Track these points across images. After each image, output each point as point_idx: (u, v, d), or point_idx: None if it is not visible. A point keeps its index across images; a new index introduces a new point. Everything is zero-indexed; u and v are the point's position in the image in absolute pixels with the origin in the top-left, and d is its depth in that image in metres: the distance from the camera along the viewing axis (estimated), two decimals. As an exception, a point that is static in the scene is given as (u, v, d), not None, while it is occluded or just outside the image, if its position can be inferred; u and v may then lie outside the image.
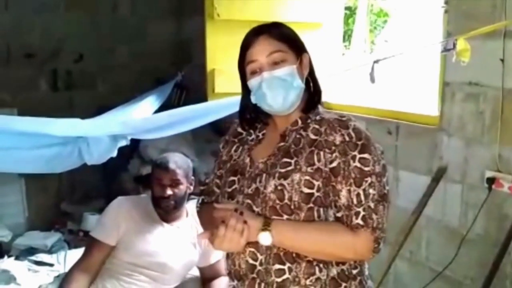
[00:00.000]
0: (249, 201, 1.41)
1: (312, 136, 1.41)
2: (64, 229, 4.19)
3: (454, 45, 2.17)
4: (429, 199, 2.65)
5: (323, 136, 1.39)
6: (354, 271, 1.43)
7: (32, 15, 4.36)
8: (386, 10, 8.21)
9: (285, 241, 1.36)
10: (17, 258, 3.39)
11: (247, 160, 1.48)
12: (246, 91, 1.49)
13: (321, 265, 1.38)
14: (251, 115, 1.54)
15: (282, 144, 1.45)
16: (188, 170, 2.44)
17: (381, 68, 2.50)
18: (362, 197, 1.34)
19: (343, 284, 1.40)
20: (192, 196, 2.63)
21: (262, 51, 1.41)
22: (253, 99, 1.45)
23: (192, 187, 2.47)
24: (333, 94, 3.28)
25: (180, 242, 2.42)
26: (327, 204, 1.37)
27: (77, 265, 2.34)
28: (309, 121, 1.45)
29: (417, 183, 2.69)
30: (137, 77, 4.50)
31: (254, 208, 1.39)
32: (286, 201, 1.36)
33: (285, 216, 1.37)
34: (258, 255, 1.40)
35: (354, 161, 1.35)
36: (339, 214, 1.37)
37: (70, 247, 3.66)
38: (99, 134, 2.53)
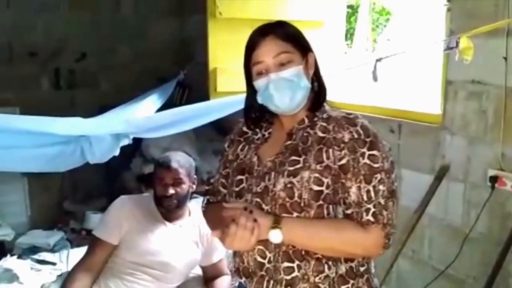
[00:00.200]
0: (258, 199, 1.42)
1: (320, 134, 1.42)
2: (66, 228, 4.20)
3: (457, 43, 2.16)
4: (432, 198, 2.65)
5: (331, 133, 1.40)
6: (362, 269, 1.44)
7: (34, 14, 4.37)
8: (388, 8, 8.19)
9: (296, 238, 1.36)
10: (19, 257, 3.39)
11: (255, 158, 1.49)
12: (251, 90, 1.50)
13: (330, 263, 1.40)
14: (257, 114, 1.54)
15: (289, 142, 1.46)
16: (191, 169, 2.44)
17: (383, 67, 2.49)
18: (372, 194, 1.35)
19: (351, 282, 1.41)
20: (195, 195, 2.64)
21: (268, 52, 1.41)
22: (260, 99, 1.46)
23: (194, 186, 2.47)
24: (335, 93, 3.28)
25: (182, 241, 2.42)
26: (336, 201, 1.38)
27: (80, 264, 2.34)
28: (315, 119, 1.46)
29: (420, 182, 2.68)
30: (139, 76, 4.50)
31: (263, 206, 1.40)
32: (296, 198, 1.37)
33: (295, 214, 1.37)
34: (267, 253, 1.41)
35: (363, 158, 1.35)
36: (348, 211, 1.37)
37: (72, 246, 3.67)
38: (101, 133, 2.53)
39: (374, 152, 1.36)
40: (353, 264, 1.42)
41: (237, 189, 1.48)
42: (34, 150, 2.43)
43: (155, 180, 2.40)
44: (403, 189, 2.85)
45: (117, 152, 2.63)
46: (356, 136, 1.37)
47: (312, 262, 1.39)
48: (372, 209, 1.35)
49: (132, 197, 2.57)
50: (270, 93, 1.42)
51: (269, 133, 1.54)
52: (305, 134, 1.44)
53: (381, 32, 8.11)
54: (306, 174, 1.37)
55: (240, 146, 1.56)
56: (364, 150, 1.36)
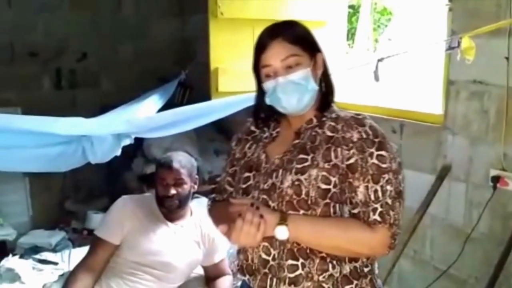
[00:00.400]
0: (265, 196, 1.42)
1: (329, 133, 1.42)
2: (68, 228, 4.20)
3: (459, 43, 2.16)
4: (434, 198, 2.65)
5: (340, 133, 1.41)
6: (366, 269, 1.44)
7: (35, 13, 4.37)
8: (389, 8, 8.19)
9: (301, 235, 1.37)
10: (21, 256, 3.39)
11: (263, 156, 1.50)
12: (260, 90, 1.51)
13: (334, 262, 1.40)
14: (265, 114, 1.55)
15: (297, 141, 1.47)
16: (192, 169, 2.44)
17: (385, 67, 2.49)
18: (380, 194, 1.35)
19: (355, 282, 1.41)
20: (196, 195, 2.64)
21: (276, 55, 1.42)
22: (268, 100, 1.47)
23: (196, 186, 2.47)
24: (337, 93, 3.27)
25: (184, 241, 2.42)
26: (343, 200, 1.39)
27: (81, 264, 2.34)
28: (324, 119, 1.47)
29: (422, 182, 2.68)
30: (140, 75, 4.50)
31: (270, 203, 1.41)
32: (303, 196, 1.37)
33: (302, 211, 1.38)
34: (272, 250, 1.42)
35: (371, 158, 1.36)
36: (355, 211, 1.37)
37: (74, 246, 3.67)
38: (103, 133, 2.53)
39: (383, 152, 1.37)
40: (357, 265, 1.42)
41: (244, 186, 1.49)
42: (35, 150, 2.43)
43: (156, 180, 2.40)
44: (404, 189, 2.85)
45: (118, 152, 2.63)
46: (365, 136, 1.38)
47: (317, 261, 1.39)
48: (379, 209, 1.35)
49: (133, 197, 2.57)
50: (278, 96, 1.43)
51: (277, 132, 1.55)
52: (313, 133, 1.45)
53: (383, 32, 8.11)
54: (314, 172, 1.37)
55: (248, 145, 1.57)
56: (373, 150, 1.36)
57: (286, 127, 1.54)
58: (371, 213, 1.35)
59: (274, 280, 1.42)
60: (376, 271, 1.50)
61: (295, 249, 1.40)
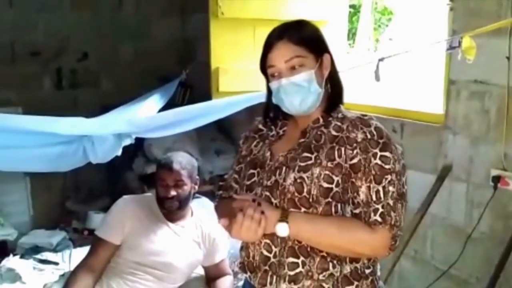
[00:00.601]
0: (267, 193, 1.43)
1: (334, 133, 1.43)
2: (69, 228, 4.20)
3: (460, 43, 2.16)
4: (434, 198, 2.64)
5: (344, 132, 1.41)
6: (367, 271, 1.44)
7: (36, 13, 4.38)
8: (390, 8, 8.18)
9: (302, 233, 1.37)
10: (22, 256, 3.39)
11: (268, 154, 1.51)
12: (269, 89, 1.52)
13: (335, 261, 1.40)
14: (274, 112, 1.57)
15: (302, 140, 1.47)
16: (193, 170, 2.43)
17: (385, 66, 2.49)
18: (382, 194, 1.35)
19: (355, 283, 1.41)
20: (197, 195, 2.64)
21: (280, 56, 1.43)
22: (273, 100, 1.49)
23: (196, 187, 2.47)
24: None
25: (185, 241, 2.42)
26: (345, 200, 1.39)
27: (82, 265, 2.34)
28: (330, 119, 1.47)
29: (422, 182, 2.68)
30: (141, 75, 4.50)
31: (272, 200, 1.42)
32: (304, 194, 1.38)
33: (303, 209, 1.38)
34: (273, 247, 1.43)
35: (375, 159, 1.36)
36: (356, 211, 1.38)
37: (75, 246, 3.66)
38: (103, 133, 2.53)
39: (386, 153, 1.37)
40: (358, 265, 1.42)
41: (248, 182, 1.50)
42: (36, 150, 2.43)
43: (156, 181, 2.40)
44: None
45: (119, 152, 2.63)
46: (369, 136, 1.38)
47: (317, 259, 1.40)
48: (380, 210, 1.35)
49: (134, 197, 2.57)
50: (281, 97, 1.45)
51: (283, 131, 1.56)
52: (318, 132, 1.46)
53: (383, 32, 8.10)
54: (316, 170, 1.38)
55: (254, 143, 1.59)
56: (376, 150, 1.37)
57: (293, 126, 1.54)
58: (372, 214, 1.35)
59: (274, 277, 1.43)
60: (378, 273, 1.50)
61: (296, 247, 1.41)
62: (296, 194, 1.38)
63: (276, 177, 1.43)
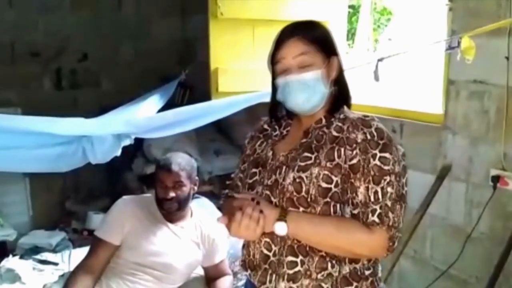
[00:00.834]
0: (268, 192, 1.44)
1: (335, 133, 1.43)
2: (68, 228, 4.20)
3: (459, 43, 2.16)
4: (434, 198, 2.65)
5: (345, 133, 1.41)
6: (367, 272, 1.44)
7: (36, 13, 4.38)
8: (389, 8, 8.18)
9: (300, 232, 1.38)
10: (21, 257, 3.39)
11: (270, 153, 1.52)
12: (274, 87, 1.53)
13: (333, 261, 1.40)
14: (279, 111, 1.58)
15: (304, 140, 1.48)
16: (192, 171, 2.43)
17: (385, 67, 2.49)
18: (380, 195, 1.35)
19: (354, 284, 1.42)
20: (197, 195, 2.63)
21: (289, 53, 1.44)
22: (278, 97, 1.49)
23: (196, 188, 2.46)
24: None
25: (184, 242, 2.42)
26: (344, 200, 1.39)
27: (82, 265, 2.33)
28: (332, 119, 1.48)
29: (422, 182, 2.68)
30: (141, 75, 4.50)
31: (272, 199, 1.43)
32: (303, 193, 1.38)
33: (301, 209, 1.39)
34: (273, 246, 1.44)
35: (374, 159, 1.36)
36: (355, 211, 1.38)
37: (74, 246, 3.66)
38: (103, 133, 2.53)
39: (386, 154, 1.37)
40: (357, 266, 1.43)
41: (250, 181, 1.52)
42: (35, 150, 2.43)
43: (155, 182, 2.40)
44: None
45: (118, 153, 2.63)
46: (369, 137, 1.38)
47: (316, 259, 1.40)
48: (378, 210, 1.35)
49: (134, 197, 2.57)
50: (286, 94, 1.46)
51: (287, 131, 1.57)
52: (320, 133, 1.46)
53: (383, 32, 8.11)
54: (315, 170, 1.38)
55: (259, 142, 1.60)
56: (376, 151, 1.36)
57: (297, 126, 1.55)
58: (370, 214, 1.35)
59: (274, 276, 1.44)
60: (379, 274, 1.50)
61: (295, 246, 1.41)
62: (294, 193, 1.39)
63: (276, 176, 1.44)
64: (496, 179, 2.40)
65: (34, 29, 4.39)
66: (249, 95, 2.80)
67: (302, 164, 1.40)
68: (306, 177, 1.38)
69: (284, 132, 1.57)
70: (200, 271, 2.59)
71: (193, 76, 3.64)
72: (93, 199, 4.51)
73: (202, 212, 2.59)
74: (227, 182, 1.70)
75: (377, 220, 1.35)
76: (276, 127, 1.60)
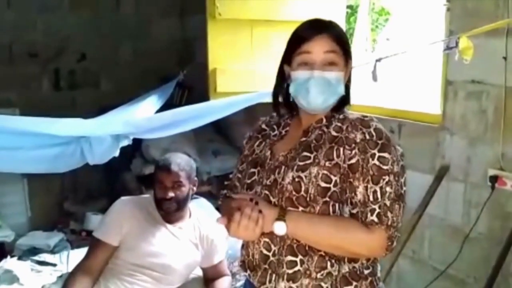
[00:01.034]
0: (266, 192, 1.44)
1: (334, 133, 1.43)
2: (66, 229, 4.19)
3: (457, 43, 2.17)
4: (432, 198, 2.65)
5: (344, 133, 1.41)
6: (366, 271, 1.45)
7: (35, 14, 4.37)
8: (387, 8, 8.19)
9: (299, 231, 1.38)
10: (20, 258, 3.38)
11: (268, 153, 1.52)
12: (280, 80, 1.52)
13: (333, 260, 1.41)
14: (282, 108, 1.57)
15: (304, 139, 1.48)
16: (191, 171, 2.43)
17: (383, 67, 2.49)
18: (379, 195, 1.35)
19: (354, 283, 1.42)
20: (195, 196, 2.63)
21: (320, 47, 1.42)
22: (292, 89, 1.47)
23: (195, 188, 2.46)
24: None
25: (182, 243, 2.42)
26: (343, 200, 1.39)
27: (80, 266, 2.33)
28: (333, 119, 1.48)
29: (420, 182, 2.68)
30: (140, 76, 4.50)
31: (271, 198, 1.43)
32: (302, 193, 1.38)
33: (300, 208, 1.39)
34: (272, 246, 1.44)
35: (373, 159, 1.36)
36: (353, 211, 1.38)
37: (72, 247, 3.65)
38: (101, 134, 2.52)
39: (385, 154, 1.37)
40: (356, 265, 1.43)
41: (248, 181, 1.52)
42: (34, 151, 2.42)
43: (155, 182, 2.39)
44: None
45: (117, 153, 2.63)
46: (368, 137, 1.38)
47: (315, 258, 1.40)
48: (377, 210, 1.35)
49: (132, 198, 2.56)
50: (308, 88, 1.43)
51: (286, 131, 1.57)
52: (320, 132, 1.46)
53: (381, 32, 8.12)
54: (314, 169, 1.38)
55: (257, 142, 1.60)
56: (375, 151, 1.37)
57: (296, 126, 1.55)
58: (369, 214, 1.35)
59: (274, 275, 1.44)
60: (378, 274, 1.50)
61: (295, 246, 1.41)
62: (294, 193, 1.39)
63: (275, 176, 1.44)
64: (494, 179, 2.40)
65: (33, 29, 4.38)
66: (247, 95, 2.80)
67: (301, 163, 1.41)
68: (305, 176, 1.38)
69: (283, 132, 1.57)
70: (198, 272, 2.59)
71: (191, 77, 3.64)
72: (91, 200, 4.51)
73: (201, 212, 2.59)
74: (225, 183, 1.70)
75: (376, 219, 1.35)
76: (275, 127, 1.59)
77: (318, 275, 1.40)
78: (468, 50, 2.14)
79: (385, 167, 1.36)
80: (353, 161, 1.37)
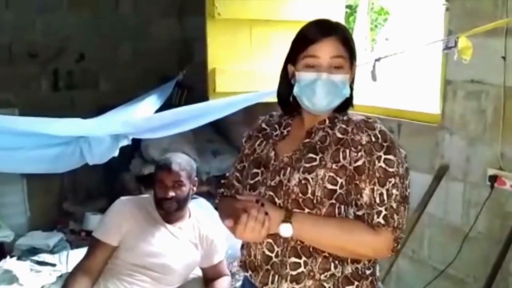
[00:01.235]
0: (271, 193, 1.44)
1: (339, 135, 1.43)
2: (66, 229, 4.19)
3: (456, 43, 2.17)
4: (431, 198, 2.65)
5: (349, 135, 1.42)
6: (368, 271, 1.46)
7: (34, 14, 4.36)
8: (386, 8, 8.20)
9: (305, 233, 1.38)
10: (19, 258, 3.38)
11: (272, 153, 1.51)
12: (284, 79, 1.52)
13: (336, 262, 1.41)
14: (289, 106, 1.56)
15: (307, 140, 1.48)
16: (192, 171, 2.43)
17: (382, 66, 2.49)
18: (385, 197, 1.36)
19: (355, 283, 1.43)
20: (194, 196, 2.63)
21: (327, 51, 1.42)
22: (297, 90, 1.46)
23: (195, 188, 2.46)
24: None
25: (182, 243, 2.42)
26: (348, 202, 1.40)
27: (80, 266, 2.33)
28: (336, 120, 1.48)
29: (419, 182, 2.68)
30: (139, 76, 4.49)
31: (276, 200, 1.42)
32: (309, 195, 1.38)
33: (307, 210, 1.39)
34: (275, 247, 1.44)
35: (379, 161, 1.37)
36: (359, 213, 1.38)
37: (72, 247, 3.66)
38: (100, 134, 2.52)
39: (390, 156, 1.38)
40: (359, 266, 1.43)
41: (251, 182, 1.51)
42: (33, 151, 2.42)
43: (155, 182, 2.39)
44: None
45: (116, 153, 2.63)
46: (374, 139, 1.39)
47: (319, 260, 1.40)
48: (384, 212, 1.36)
49: (131, 198, 2.56)
50: (314, 90, 1.42)
51: (287, 131, 1.56)
52: (324, 133, 1.46)
53: (380, 32, 8.12)
54: (321, 172, 1.38)
55: (258, 142, 1.59)
56: (381, 153, 1.37)
57: (298, 126, 1.55)
58: (376, 216, 1.36)
59: (276, 277, 1.44)
60: (377, 274, 1.51)
61: (299, 247, 1.41)
62: (300, 195, 1.39)
63: (280, 177, 1.44)
64: (493, 178, 2.40)
65: (32, 29, 4.38)
66: (246, 95, 2.80)
67: (307, 165, 1.40)
68: (312, 178, 1.38)
69: (285, 132, 1.56)
70: (198, 272, 2.59)
71: (191, 77, 3.64)
72: (90, 200, 4.50)
73: (200, 212, 2.59)
74: (222, 181, 1.70)
75: (382, 221, 1.35)
76: (276, 126, 1.59)
77: (322, 277, 1.40)
78: (467, 50, 2.14)
79: (391, 170, 1.37)
80: (359, 163, 1.37)
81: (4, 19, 4.27)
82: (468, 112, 2.53)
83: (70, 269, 2.58)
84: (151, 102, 3.19)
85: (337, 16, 3.66)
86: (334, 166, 1.38)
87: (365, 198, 1.37)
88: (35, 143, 2.41)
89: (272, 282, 1.44)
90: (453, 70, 2.57)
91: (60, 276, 2.91)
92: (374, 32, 8.06)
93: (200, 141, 4.23)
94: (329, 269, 1.40)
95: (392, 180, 1.36)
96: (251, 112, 2.83)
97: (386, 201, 1.36)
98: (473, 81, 2.48)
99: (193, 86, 3.90)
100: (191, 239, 2.45)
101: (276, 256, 1.43)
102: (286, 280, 1.42)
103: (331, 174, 1.38)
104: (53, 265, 3.32)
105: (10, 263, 3.21)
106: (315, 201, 1.38)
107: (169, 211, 2.38)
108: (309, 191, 1.38)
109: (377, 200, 1.36)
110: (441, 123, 2.67)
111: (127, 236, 2.33)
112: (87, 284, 2.26)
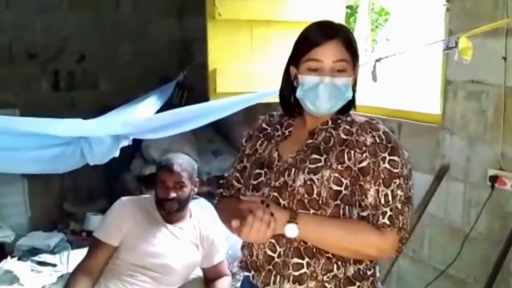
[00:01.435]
0: (275, 194, 1.43)
1: (343, 136, 1.44)
2: (66, 230, 4.19)
3: (456, 43, 2.17)
4: (432, 198, 2.65)
5: (354, 136, 1.42)
6: (369, 272, 1.46)
7: (34, 14, 4.37)
8: (387, 8, 8.20)
9: (311, 234, 1.38)
10: (20, 258, 3.38)
11: (275, 154, 1.51)
12: (286, 81, 1.52)
13: (339, 263, 1.41)
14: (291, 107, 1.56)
15: (311, 141, 1.48)
16: (193, 172, 2.43)
17: (383, 67, 2.50)
18: (390, 198, 1.36)
19: (357, 284, 1.43)
20: (195, 196, 2.63)
21: (330, 55, 1.41)
22: (299, 93, 1.46)
23: (196, 189, 2.46)
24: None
25: (183, 243, 2.42)
26: (353, 202, 1.40)
27: (80, 267, 2.33)
28: (339, 121, 1.48)
29: (420, 182, 2.67)
30: (139, 76, 4.49)
31: (281, 201, 1.42)
32: (314, 196, 1.38)
33: (312, 211, 1.39)
34: (278, 247, 1.43)
35: (384, 163, 1.37)
36: (364, 213, 1.39)
37: (73, 247, 3.66)
38: (101, 134, 2.53)
39: (395, 157, 1.38)
40: (361, 267, 1.44)
41: (255, 182, 1.50)
42: (33, 151, 2.42)
43: (156, 182, 2.39)
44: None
45: (117, 153, 2.63)
46: (378, 140, 1.39)
47: (322, 261, 1.41)
48: (389, 213, 1.36)
49: (132, 198, 2.57)
50: (317, 94, 1.42)
51: (289, 132, 1.56)
52: (327, 134, 1.46)
53: (380, 32, 8.12)
54: (327, 173, 1.38)
55: (259, 142, 1.58)
56: (385, 154, 1.38)
57: (299, 126, 1.54)
58: (381, 217, 1.36)
59: (278, 277, 1.43)
60: (378, 274, 1.52)
61: (302, 248, 1.41)
62: (306, 196, 1.39)
63: (285, 178, 1.43)
64: (494, 179, 2.40)
65: (32, 29, 4.38)
66: (247, 96, 2.80)
67: (312, 166, 1.40)
68: (317, 179, 1.38)
69: (286, 132, 1.56)
70: (198, 272, 2.59)
71: (191, 77, 3.64)
72: (91, 200, 4.51)
73: (201, 213, 2.59)
74: (221, 181, 1.69)
75: (387, 222, 1.36)
76: (278, 126, 1.58)
77: (324, 278, 1.40)
78: (468, 50, 2.15)
79: (395, 171, 1.37)
80: (364, 164, 1.38)
81: (4, 19, 4.28)
82: (469, 112, 2.53)
83: (70, 270, 2.58)
84: (152, 102, 3.20)
85: (338, 16, 3.67)
86: (339, 167, 1.39)
87: (370, 199, 1.37)
88: (35, 143, 2.42)
89: (274, 283, 1.44)
90: (453, 71, 2.57)
91: (61, 277, 2.91)
92: (374, 33, 8.06)
93: (200, 142, 4.23)
94: (332, 270, 1.41)
95: (397, 181, 1.37)
96: (251, 112, 2.83)
97: (391, 202, 1.36)
98: (473, 82, 2.48)
99: (193, 86, 3.91)
100: (192, 240, 2.45)
101: (279, 256, 1.43)
102: (288, 281, 1.42)
103: (336, 175, 1.38)
104: (54, 265, 3.32)
105: (10, 263, 3.21)
106: (320, 202, 1.38)
107: (170, 211, 2.38)
108: (315, 192, 1.38)
109: (382, 201, 1.36)
110: (442, 123, 2.67)
111: (128, 236, 2.34)
112: (88, 284, 2.26)
